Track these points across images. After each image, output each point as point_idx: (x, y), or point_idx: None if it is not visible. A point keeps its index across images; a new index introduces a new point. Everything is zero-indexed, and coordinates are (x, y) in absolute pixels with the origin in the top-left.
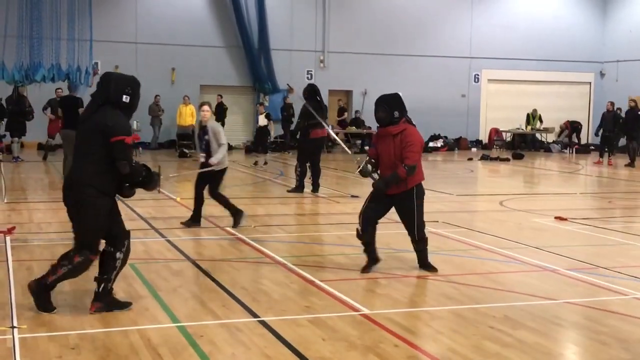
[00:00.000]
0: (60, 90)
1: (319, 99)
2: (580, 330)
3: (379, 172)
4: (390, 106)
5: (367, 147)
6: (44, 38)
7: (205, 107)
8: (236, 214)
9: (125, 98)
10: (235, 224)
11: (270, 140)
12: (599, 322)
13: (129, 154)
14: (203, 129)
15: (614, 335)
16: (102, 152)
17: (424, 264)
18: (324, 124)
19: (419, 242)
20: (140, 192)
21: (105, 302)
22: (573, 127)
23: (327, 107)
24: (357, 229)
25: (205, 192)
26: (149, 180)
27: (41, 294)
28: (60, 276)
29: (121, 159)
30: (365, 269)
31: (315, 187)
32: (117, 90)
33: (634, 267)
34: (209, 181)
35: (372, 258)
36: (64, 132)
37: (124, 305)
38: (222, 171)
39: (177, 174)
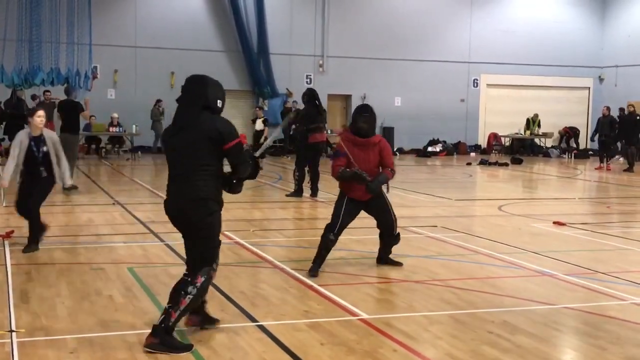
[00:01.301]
0: (49, 94)
1: (317, 103)
2: (579, 336)
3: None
4: (373, 118)
5: None
6: (44, 42)
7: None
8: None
9: (220, 103)
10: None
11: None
12: (597, 327)
13: (247, 155)
14: None
15: (612, 340)
16: (214, 161)
17: (388, 260)
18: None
19: (397, 237)
20: (138, 196)
21: (161, 339)
22: (573, 132)
23: (325, 112)
24: (330, 237)
25: None
26: (256, 170)
27: (167, 339)
28: (186, 307)
29: (242, 161)
30: (315, 272)
31: (314, 191)
32: (214, 95)
33: (633, 272)
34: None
35: (322, 260)
36: (63, 136)
37: (182, 349)
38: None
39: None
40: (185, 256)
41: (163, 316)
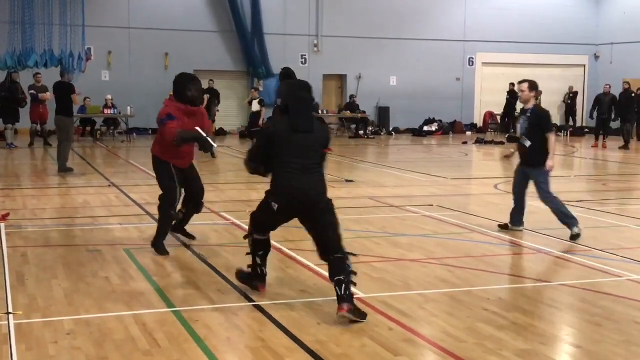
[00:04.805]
0: (40, 76)
1: None
2: (574, 312)
3: None
4: (202, 87)
5: (361, 132)
6: (37, 24)
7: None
8: None
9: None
10: None
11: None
12: (593, 303)
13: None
14: None
15: (608, 316)
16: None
17: (184, 230)
18: None
19: (200, 206)
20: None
21: (354, 305)
22: (574, 94)
23: None
24: (173, 213)
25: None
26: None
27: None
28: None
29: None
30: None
31: None
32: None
33: (628, 249)
34: None
35: (165, 235)
36: (57, 119)
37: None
38: None
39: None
40: None
41: (344, 286)
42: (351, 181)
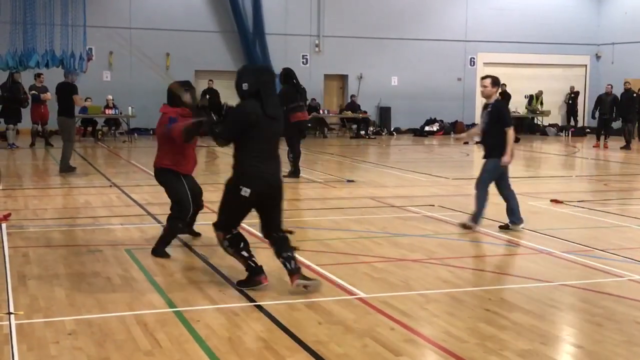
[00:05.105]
0: (42, 77)
1: (295, 82)
2: (576, 312)
3: None
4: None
5: (362, 132)
6: (38, 24)
7: None
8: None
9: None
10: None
11: None
12: (594, 303)
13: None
14: None
15: (609, 317)
16: None
17: (192, 230)
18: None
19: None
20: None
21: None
22: (575, 94)
23: (305, 90)
24: (180, 226)
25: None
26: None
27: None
28: None
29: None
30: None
31: (297, 172)
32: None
33: (629, 249)
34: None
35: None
36: (59, 119)
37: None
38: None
39: None
40: None
41: (292, 261)
42: (352, 181)
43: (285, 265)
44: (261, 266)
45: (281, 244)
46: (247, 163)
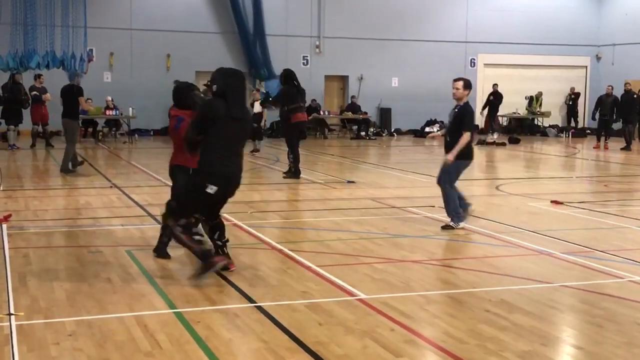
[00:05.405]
0: (42, 78)
1: (295, 83)
2: (576, 314)
3: None
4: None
5: (363, 133)
6: (38, 25)
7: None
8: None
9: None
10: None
11: (264, 127)
12: (594, 305)
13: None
14: None
15: (610, 318)
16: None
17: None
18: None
19: None
20: (136, 179)
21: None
22: (575, 95)
23: (304, 91)
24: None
25: None
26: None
27: None
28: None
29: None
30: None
31: (297, 173)
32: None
33: (630, 250)
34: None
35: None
36: (64, 121)
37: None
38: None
39: None
40: None
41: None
42: (353, 182)
43: (224, 250)
44: (213, 248)
45: (222, 230)
46: (214, 162)
